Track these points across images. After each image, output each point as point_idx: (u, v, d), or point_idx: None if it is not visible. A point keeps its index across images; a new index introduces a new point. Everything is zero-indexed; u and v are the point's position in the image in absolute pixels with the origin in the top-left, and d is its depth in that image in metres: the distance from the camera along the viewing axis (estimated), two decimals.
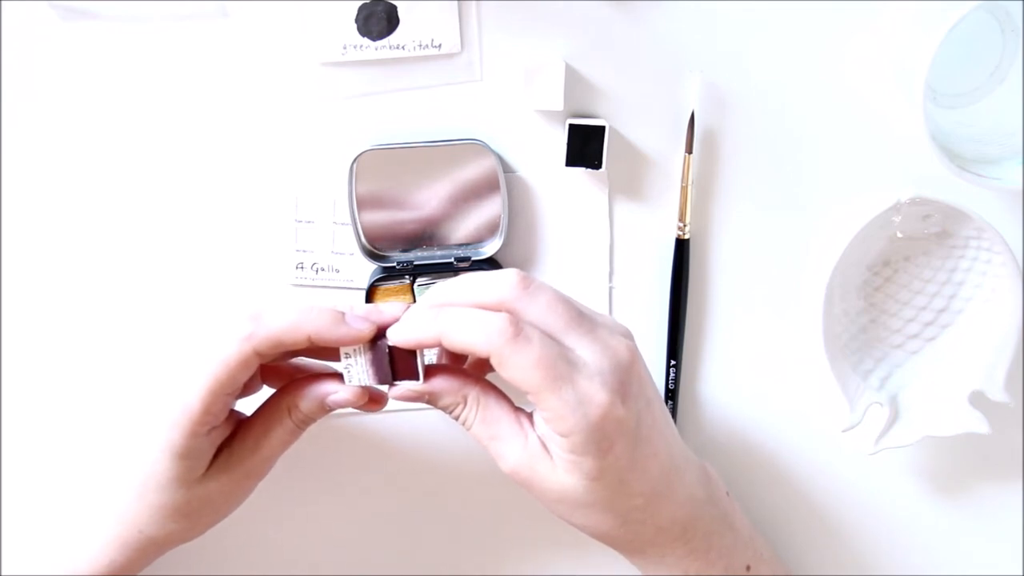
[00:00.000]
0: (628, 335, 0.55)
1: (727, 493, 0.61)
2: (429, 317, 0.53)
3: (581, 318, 0.53)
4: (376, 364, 0.54)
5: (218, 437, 0.56)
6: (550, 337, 0.52)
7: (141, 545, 0.58)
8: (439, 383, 0.55)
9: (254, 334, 0.53)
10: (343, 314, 0.54)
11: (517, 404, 0.56)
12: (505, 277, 0.53)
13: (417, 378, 0.54)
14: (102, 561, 0.58)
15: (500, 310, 0.52)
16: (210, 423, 0.55)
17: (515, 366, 0.51)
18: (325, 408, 0.56)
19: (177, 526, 0.58)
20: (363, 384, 0.55)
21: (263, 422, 0.57)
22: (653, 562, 0.58)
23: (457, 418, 0.55)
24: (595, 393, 0.51)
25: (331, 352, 0.55)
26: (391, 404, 0.57)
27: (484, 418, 0.55)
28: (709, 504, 0.59)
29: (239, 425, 0.58)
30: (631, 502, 0.55)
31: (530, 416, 0.55)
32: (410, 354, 0.54)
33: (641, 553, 0.58)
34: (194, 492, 0.57)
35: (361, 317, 0.54)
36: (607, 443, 0.52)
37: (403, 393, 0.55)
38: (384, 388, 0.56)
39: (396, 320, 0.54)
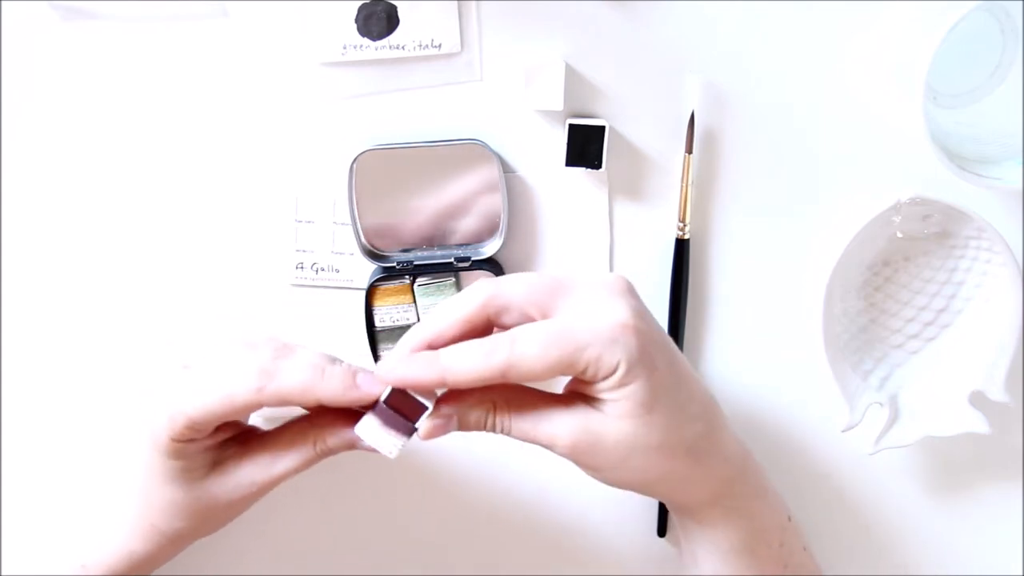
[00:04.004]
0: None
1: None
2: (427, 361, 0.52)
3: (560, 278, 0.53)
4: (390, 422, 0.53)
5: (210, 441, 0.56)
6: (543, 315, 0.52)
7: (156, 538, 0.58)
8: (461, 402, 0.53)
9: (263, 389, 0.52)
10: (355, 374, 0.53)
11: None
12: (474, 288, 0.53)
13: (426, 408, 0.53)
14: (123, 551, 0.58)
15: (483, 313, 0.52)
16: (195, 437, 0.54)
17: (532, 358, 0.50)
18: (354, 447, 0.55)
19: (187, 524, 0.58)
20: (396, 448, 0.53)
21: (285, 444, 0.56)
22: (723, 507, 0.57)
23: (494, 428, 0.54)
24: (613, 316, 0.51)
25: None
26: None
27: (520, 410, 0.53)
28: (746, 443, 0.58)
29: (255, 437, 0.57)
30: (693, 427, 0.54)
31: (558, 396, 0.54)
32: (406, 395, 0.53)
33: (711, 496, 0.56)
34: (197, 494, 0.56)
35: (373, 381, 0.53)
36: (649, 359, 0.51)
37: (433, 428, 0.53)
38: (412, 437, 0.54)
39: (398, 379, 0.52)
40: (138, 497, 0.57)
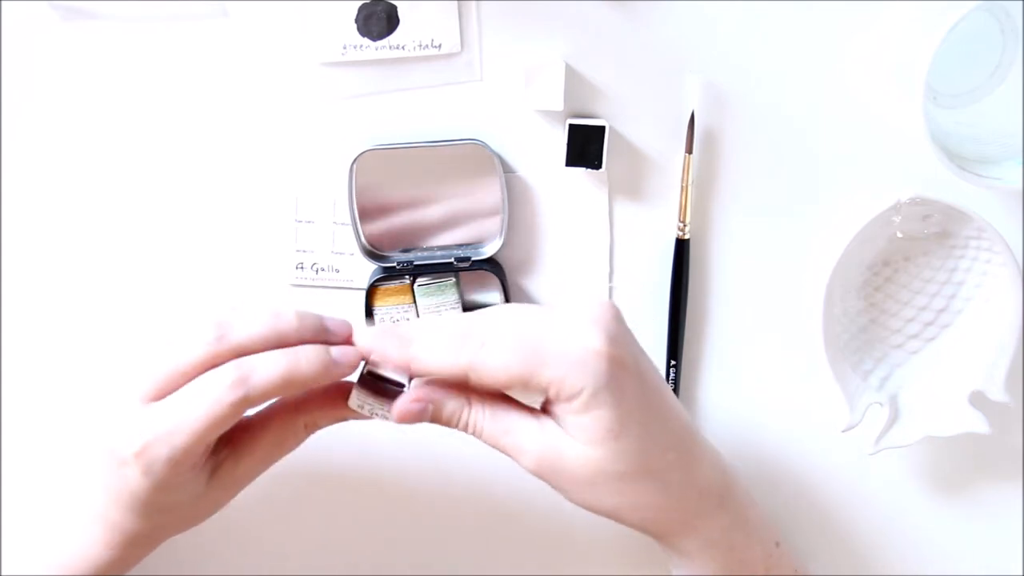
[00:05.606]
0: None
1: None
2: (399, 343, 0.52)
3: (544, 307, 0.54)
4: (380, 392, 0.53)
5: (203, 460, 0.54)
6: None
7: (139, 540, 0.57)
8: (438, 391, 0.53)
9: (247, 396, 0.51)
10: (328, 349, 0.53)
11: None
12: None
13: (403, 385, 0.53)
14: (109, 559, 0.57)
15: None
16: (193, 462, 0.53)
17: (494, 363, 0.51)
18: (344, 419, 0.55)
19: (183, 527, 0.57)
20: (389, 416, 0.54)
21: (275, 435, 0.56)
22: (700, 540, 0.56)
23: (467, 427, 0.54)
24: (586, 341, 0.51)
25: None
26: None
27: (494, 414, 0.53)
28: (732, 472, 0.58)
29: (241, 429, 0.56)
30: (664, 457, 0.53)
31: (535, 410, 0.54)
32: (381, 374, 0.54)
33: (685, 528, 0.56)
34: (196, 503, 0.56)
35: (346, 351, 0.53)
36: (617, 386, 0.51)
37: (407, 412, 0.53)
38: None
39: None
40: (141, 520, 0.55)
